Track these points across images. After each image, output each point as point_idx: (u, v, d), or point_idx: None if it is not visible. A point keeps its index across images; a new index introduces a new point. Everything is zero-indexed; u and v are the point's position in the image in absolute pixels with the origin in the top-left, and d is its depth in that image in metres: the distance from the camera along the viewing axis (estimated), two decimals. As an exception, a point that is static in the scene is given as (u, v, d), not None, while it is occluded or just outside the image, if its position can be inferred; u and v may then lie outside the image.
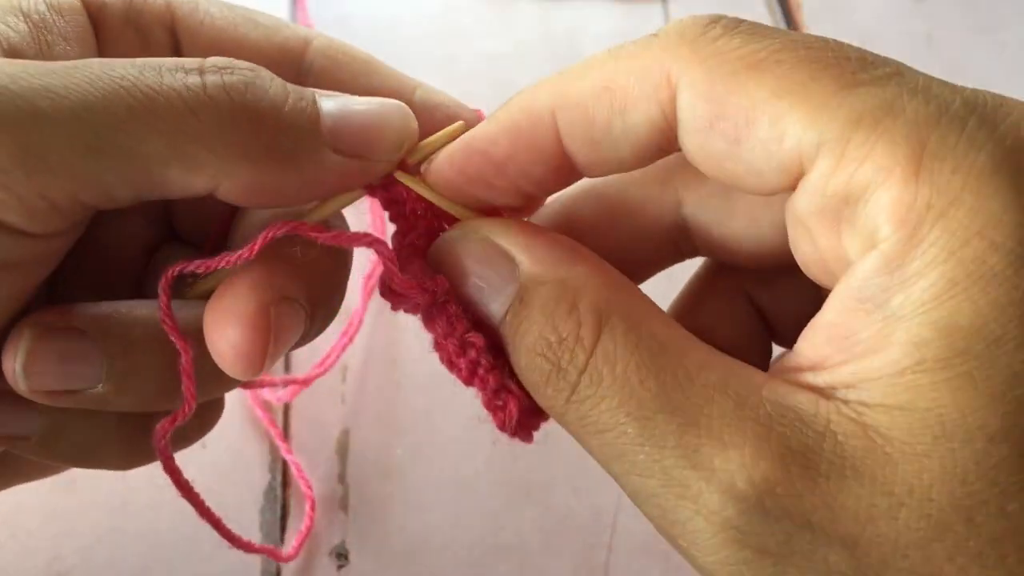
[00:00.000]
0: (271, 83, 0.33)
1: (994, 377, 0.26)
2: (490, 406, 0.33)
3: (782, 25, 0.79)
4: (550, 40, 0.76)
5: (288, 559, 0.51)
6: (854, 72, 0.28)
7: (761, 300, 0.38)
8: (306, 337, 0.36)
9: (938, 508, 0.26)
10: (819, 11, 0.80)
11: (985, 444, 0.26)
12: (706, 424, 0.28)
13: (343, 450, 0.56)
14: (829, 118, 0.27)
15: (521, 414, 0.33)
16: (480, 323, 0.33)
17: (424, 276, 0.34)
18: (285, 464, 0.55)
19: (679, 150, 0.32)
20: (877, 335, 0.27)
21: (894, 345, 0.27)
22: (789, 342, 0.30)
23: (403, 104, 0.35)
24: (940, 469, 0.26)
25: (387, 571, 0.52)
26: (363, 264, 0.61)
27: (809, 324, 0.30)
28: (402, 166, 0.35)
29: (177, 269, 0.33)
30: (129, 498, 0.52)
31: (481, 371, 0.33)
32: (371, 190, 0.35)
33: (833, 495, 0.26)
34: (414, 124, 0.35)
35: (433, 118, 0.38)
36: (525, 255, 0.32)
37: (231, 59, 0.33)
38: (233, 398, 0.56)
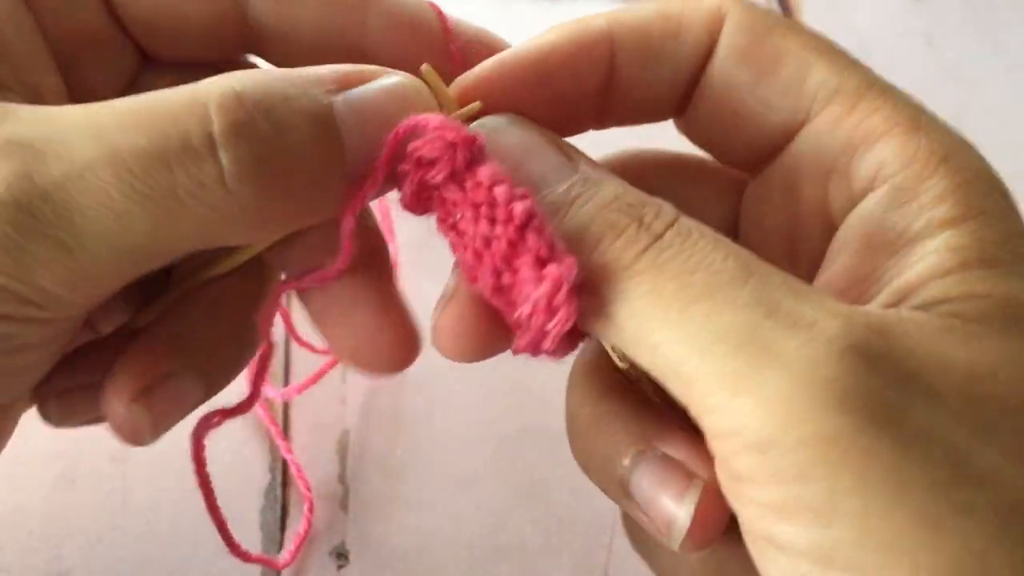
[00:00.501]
0: (290, 117, 0.29)
1: None
2: (538, 310, 0.27)
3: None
4: (550, 40, 0.76)
5: (284, 566, 0.51)
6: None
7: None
8: (208, 394, 0.38)
9: None
10: (819, 11, 0.80)
11: None
12: (805, 289, 0.27)
13: (343, 450, 0.56)
14: (848, 74, 0.32)
15: (577, 287, 0.27)
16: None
17: (423, 186, 0.29)
18: (285, 464, 0.55)
19: (695, 97, 0.34)
20: (907, 255, 0.29)
21: (931, 254, 0.28)
22: None
23: (412, 86, 0.32)
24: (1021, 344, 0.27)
25: (387, 571, 0.52)
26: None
27: (819, 280, 0.31)
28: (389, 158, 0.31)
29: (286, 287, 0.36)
30: (129, 498, 0.52)
31: (536, 226, 0.27)
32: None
33: (938, 355, 0.25)
34: (431, 104, 0.32)
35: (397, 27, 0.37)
36: (586, 160, 0.32)
37: (236, 92, 0.29)
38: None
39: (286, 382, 0.58)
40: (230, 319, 0.37)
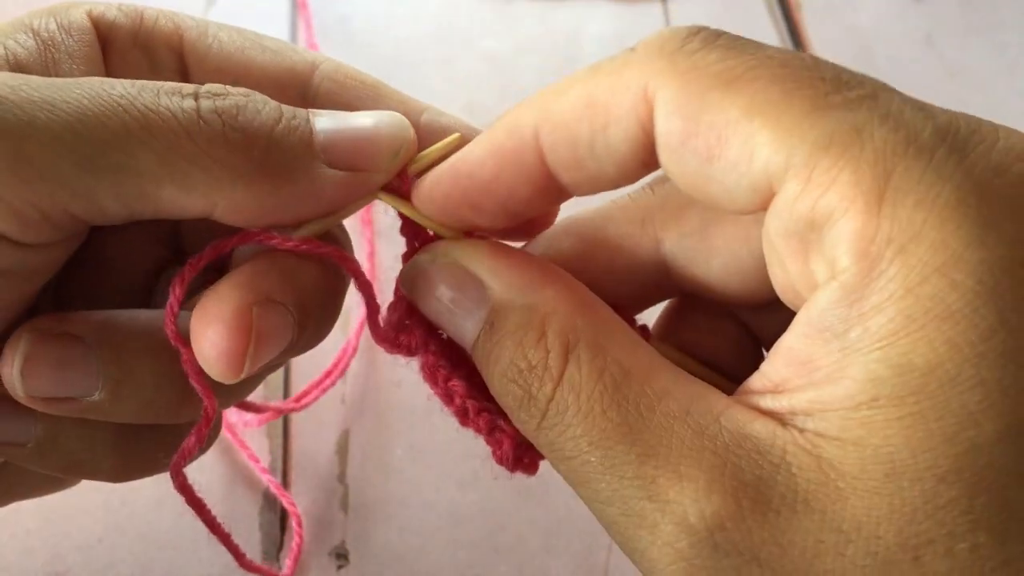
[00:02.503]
0: (264, 105, 0.34)
1: (947, 418, 0.26)
2: (489, 443, 0.34)
3: (782, 25, 0.79)
4: (550, 40, 0.76)
5: None
6: (827, 93, 0.28)
7: (748, 320, 0.38)
8: (296, 347, 0.36)
9: (885, 546, 0.26)
10: (819, 11, 0.80)
11: (935, 484, 0.26)
12: (664, 455, 0.28)
13: (343, 450, 0.56)
14: (798, 141, 0.27)
15: (516, 450, 0.33)
16: (466, 356, 0.34)
17: (401, 329, 0.35)
18: (286, 467, 0.55)
19: (660, 167, 0.32)
20: (835, 365, 0.27)
21: (850, 379, 0.27)
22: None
23: (398, 114, 0.36)
24: (888, 507, 0.26)
25: (387, 571, 0.52)
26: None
27: (774, 346, 0.30)
28: (403, 177, 0.35)
29: (185, 275, 0.34)
30: (129, 498, 0.52)
31: (471, 415, 0.34)
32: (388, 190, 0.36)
33: (782, 530, 0.27)
34: (410, 133, 0.36)
35: (440, 139, 0.38)
36: (494, 279, 0.33)
37: (227, 86, 0.33)
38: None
39: (286, 393, 0.58)
40: (321, 269, 0.36)
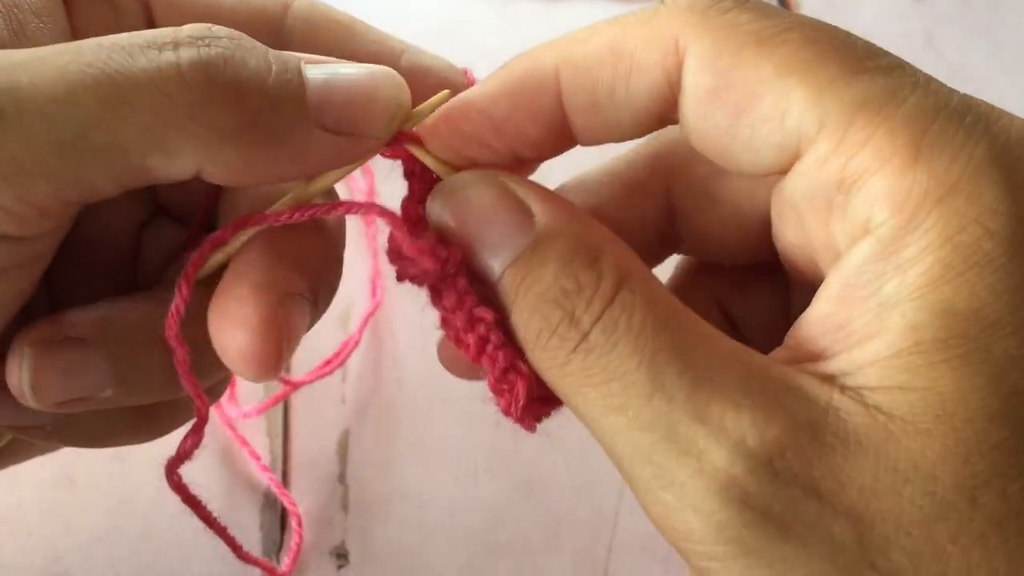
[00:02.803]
0: (252, 53, 0.31)
1: (990, 360, 0.26)
2: (496, 388, 0.32)
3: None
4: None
5: (283, 575, 0.51)
6: (860, 59, 0.28)
7: (731, 306, 0.37)
8: (311, 325, 0.35)
9: (942, 486, 0.26)
10: (819, 11, 0.80)
11: (986, 424, 0.26)
12: (720, 383, 0.27)
13: (343, 450, 0.56)
14: (833, 100, 0.28)
15: (528, 398, 0.31)
16: (489, 299, 0.32)
17: (436, 243, 0.32)
18: (286, 463, 0.55)
19: (676, 122, 0.31)
20: (873, 322, 0.27)
21: (890, 330, 0.27)
22: (760, 350, 0.30)
23: (394, 72, 0.34)
24: (943, 448, 0.26)
25: (387, 571, 0.52)
26: (364, 279, 0.61)
27: (801, 318, 0.30)
28: (398, 135, 0.34)
29: (186, 275, 0.33)
30: (129, 498, 0.52)
31: (490, 348, 0.31)
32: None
33: (840, 466, 0.26)
34: (406, 94, 0.34)
35: (423, 82, 0.36)
36: (543, 208, 0.31)
37: (209, 26, 0.31)
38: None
39: (288, 372, 0.58)
40: (322, 241, 0.35)
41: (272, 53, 0.32)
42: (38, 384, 0.32)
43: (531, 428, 0.33)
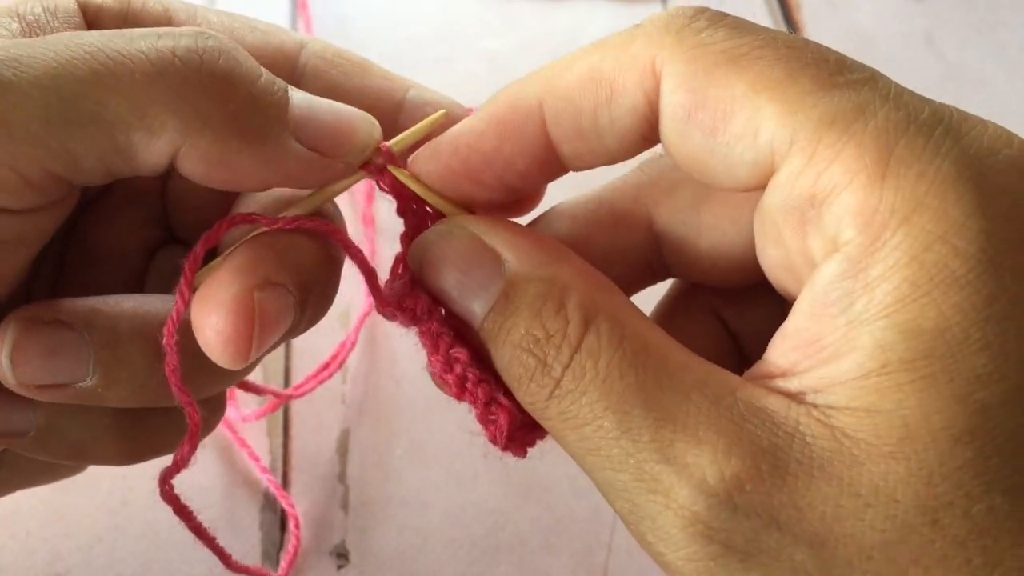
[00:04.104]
0: (248, 59, 0.33)
1: (957, 380, 0.26)
2: (482, 420, 0.34)
3: (782, 25, 0.79)
4: (550, 40, 0.76)
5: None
6: (831, 74, 0.29)
7: (730, 319, 0.38)
8: (297, 327, 0.35)
9: (903, 510, 0.26)
10: (819, 11, 0.80)
11: (950, 446, 0.26)
12: (682, 420, 0.28)
13: (343, 450, 0.56)
14: (803, 117, 0.28)
15: (511, 427, 0.33)
16: (465, 335, 0.33)
17: (409, 293, 0.34)
18: (286, 463, 0.55)
19: (660, 142, 0.32)
20: (842, 339, 0.28)
21: (858, 349, 0.27)
22: (756, 360, 0.31)
23: (369, 116, 0.35)
24: (906, 471, 0.26)
25: (387, 571, 0.52)
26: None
27: (778, 331, 0.30)
28: (389, 158, 0.35)
29: (190, 266, 0.34)
30: (129, 498, 0.52)
31: (469, 385, 0.33)
32: (374, 175, 0.36)
33: (801, 494, 0.27)
34: (378, 131, 0.35)
35: (426, 115, 0.37)
36: (512, 253, 0.32)
37: (213, 31, 0.33)
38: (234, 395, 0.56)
39: (286, 383, 0.58)
40: (318, 247, 0.36)
41: (264, 68, 0.34)
42: (17, 359, 0.33)
43: (521, 454, 0.35)
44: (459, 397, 0.34)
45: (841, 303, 0.27)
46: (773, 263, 0.32)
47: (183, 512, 0.38)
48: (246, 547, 0.52)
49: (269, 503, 0.54)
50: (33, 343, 0.33)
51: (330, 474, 0.55)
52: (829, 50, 0.30)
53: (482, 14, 0.76)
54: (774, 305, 0.35)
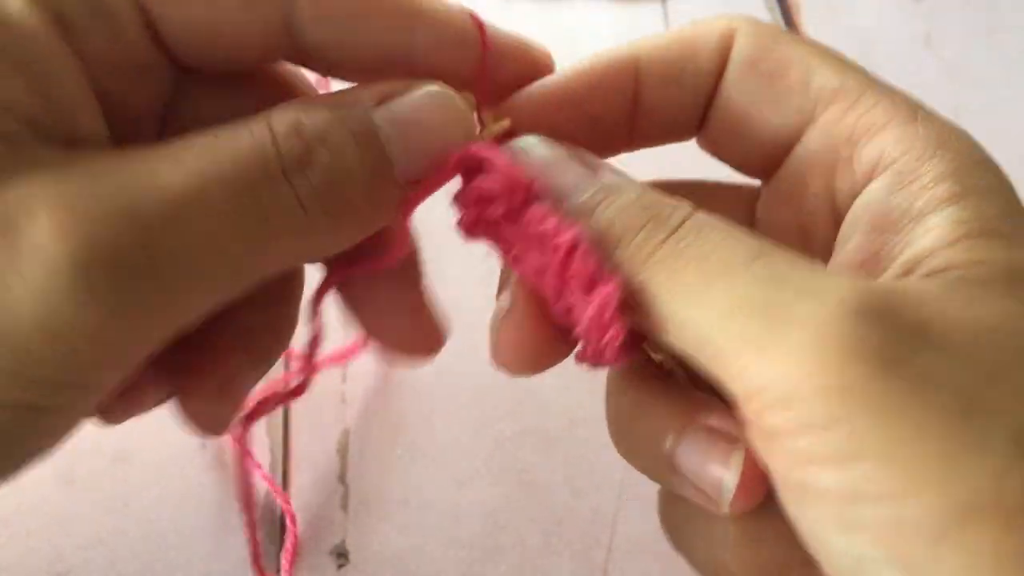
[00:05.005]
0: (343, 151, 0.32)
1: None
2: (587, 289, 0.30)
3: (781, 25, 0.79)
4: (550, 40, 0.75)
5: None
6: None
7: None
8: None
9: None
10: (819, 11, 0.80)
11: None
12: (812, 266, 0.28)
13: (343, 450, 0.56)
14: (849, 75, 0.34)
15: (622, 303, 0.29)
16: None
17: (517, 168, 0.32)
18: (286, 463, 0.55)
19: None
20: (912, 231, 0.30)
21: (935, 228, 0.30)
22: None
23: (446, 93, 0.34)
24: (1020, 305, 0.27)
25: (387, 571, 0.52)
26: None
27: (833, 261, 0.33)
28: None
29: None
30: (129, 498, 0.53)
31: (581, 252, 0.30)
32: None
33: (942, 316, 0.27)
34: (464, 112, 0.35)
35: (445, 33, 0.38)
36: (604, 172, 0.33)
37: (295, 127, 0.31)
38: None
39: (286, 369, 0.58)
40: (281, 313, 0.41)
41: (352, 128, 0.32)
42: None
43: (621, 359, 0.31)
44: (562, 267, 0.30)
45: (902, 206, 0.31)
46: (780, 225, 0.36)
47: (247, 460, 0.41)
48: (246, 546, 0.52)
49: (269, 503, 0.54)
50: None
51: (330, 474, 0.55)
52: None
53: (481, 14, 0.76)
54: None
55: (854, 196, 0.33)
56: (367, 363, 0.59)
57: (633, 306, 0.30)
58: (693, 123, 0.38)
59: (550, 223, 0.30)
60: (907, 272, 0.29)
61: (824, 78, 0.34)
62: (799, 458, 0.27)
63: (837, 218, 0.34)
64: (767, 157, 0.37)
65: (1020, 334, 0.27)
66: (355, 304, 0.42)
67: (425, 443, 0.56)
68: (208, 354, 0.39)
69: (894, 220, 0.31)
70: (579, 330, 0.31)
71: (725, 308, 0.27)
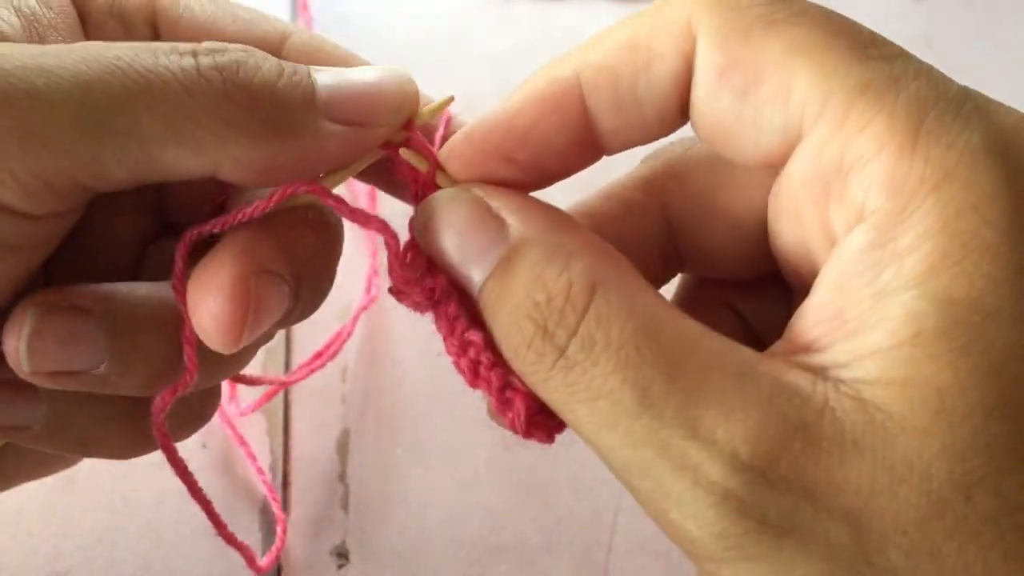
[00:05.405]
0: (264, 61, 0.33)
1: (990, 351, 0.26)
2: (498, 408, 0.32)
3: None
4: (550, 40, 0.76)
5: (262, 571, 0.50)
6: (865, 46, 0.29)
7: (744, 309, 0.37)
8: (291, 317, 0.35)
9: (938, 485, 0.26)
10: (819, 11, 0.80)
11: (983, 419, 0.25)
12: (706, 394, 0.27)
13: (343, 450, 0.56)
14: (838, 83, 0.28)
15: (528, 411, 0.31)
16: (481, 320, 0.32)
17: (427, 272, 0.33)
18: (286, 463, 0.55)
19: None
20: (869, 311, 0.27)
21: (888, 320, 0.27)
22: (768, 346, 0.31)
23: (402, 70, 0.35)
24: (939, 445, 0.26)
25: (387, 571, 0.52)
26: (362, 272, 0.61)
27: (798, 310, 0.30)
28: (410, 130, 0.35)
29: (195, 232, 0.34)
30: (129, 498, 0.52)
31: (483, 370, 0.32)
32: (389, 150, 0.35)
33: (835, 470, 0.26)
34: (413, 86, 0.35)
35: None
36: (517, 218, 0.31)
37: (224, 43, 0.33)
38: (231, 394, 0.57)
39: (287, 370, 0.58)
40: (317, 237, 0.36)
41: (284, 62, 0.33)
42: (34, 347, 0.33)
43: (546, 441, 0.33)
44: (473, 383, 0.32)
45: (868, 273, 0.27)
46: (786, 244, 0.32)
47: (176, 463, 0.38)
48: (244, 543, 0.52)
49: (268, 503, 0.54)
50: (51, 329, 0.33)
51: (330, 474, 0.55)
52: (860, 24, 0.30)
53: (482, 15, 0.76)
54: (786, 295, 0.34)
55: (848, 231, 0.29)
56: (367, 363, 0.59)
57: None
58: (668, 127, 0.33)
59: (457, 330, 0.32)
60: (846, 362, 0.27)
61: (805, 88, 0.28)
62: None
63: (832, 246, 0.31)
64: (760, 166, 0.33)
65: (906, 499, 0.26)
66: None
67: (425, 442, 0.56)
68: (239, 243, 0.34)
69: (857, 287, 0.27)
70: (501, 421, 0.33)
71: (618, 466, 0.29)
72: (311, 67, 0.34)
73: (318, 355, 0.57)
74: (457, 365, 0.33)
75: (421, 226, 0.33)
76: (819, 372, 0.28)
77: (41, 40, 0.35)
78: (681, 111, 0.32)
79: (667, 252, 0.36)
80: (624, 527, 0.54)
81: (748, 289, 0.37)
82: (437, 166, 0.35)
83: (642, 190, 0.36)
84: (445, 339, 0.33)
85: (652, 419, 0.27)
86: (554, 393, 0.29)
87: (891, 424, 0.26)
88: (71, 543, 0.51)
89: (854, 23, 0.29)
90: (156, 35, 0.39)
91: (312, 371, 0.56)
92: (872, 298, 0.27)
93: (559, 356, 0.29)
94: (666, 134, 0.33)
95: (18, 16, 0.35)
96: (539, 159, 0.33)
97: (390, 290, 0.35)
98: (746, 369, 0.28)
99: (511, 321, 0.30)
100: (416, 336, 0.59)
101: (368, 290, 0.60)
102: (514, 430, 0.32)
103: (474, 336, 0.32)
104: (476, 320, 0.32)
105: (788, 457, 0.26)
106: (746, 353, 0.29)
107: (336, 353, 0.57)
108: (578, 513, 0.55)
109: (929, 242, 0.26)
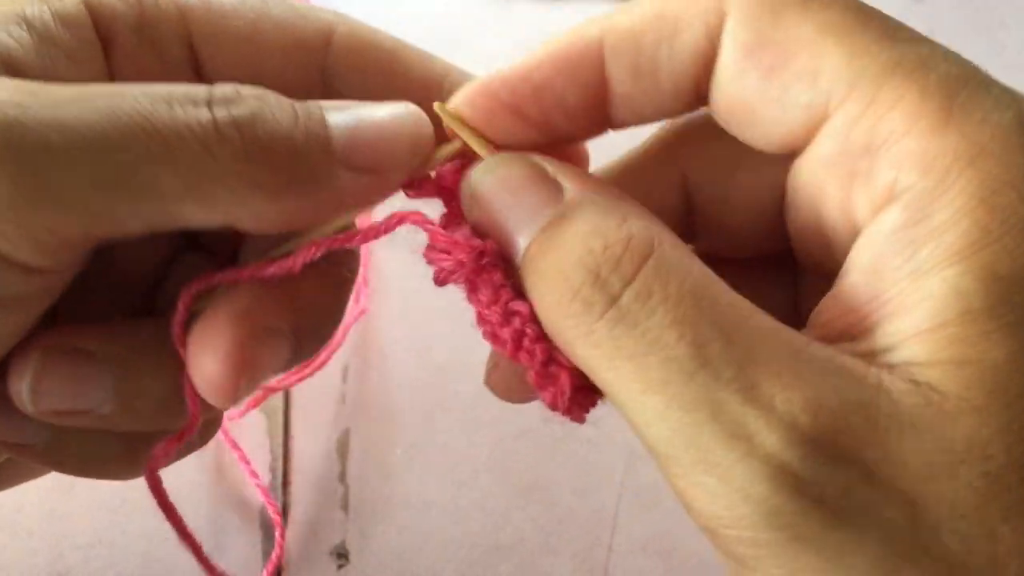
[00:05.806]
0: (278, 108, 0.32)
1: None
2: (539, 383, 0.30)
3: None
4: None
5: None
6: (895, 29, 0.29)
7: (748, 294, 0.37)
8: (291, 363, 0.35)
9: (996, 465, 0.25)
10: (819, 11, 0.80)
11: None
12: (766, 362, 0.26)
13: (343, 450, 0.56)
14: (868, 62, 0.27)
15: (573, 389, 0.30)
16: (522, 293, 0.31)
17: (470, 234, 0.31)
18: (286, 463, 0.55)
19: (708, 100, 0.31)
20: (909, 290, 0.26)
21: (930, 298, 0.26)
22: None
23: (416, 110, 0.34)
24: (997, 424, 0.25)
25: (387, 571, 0.52)
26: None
27: (828, 296, 0.29)
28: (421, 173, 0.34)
29: (197, 286, 0.33)
30: (129, 498, 0.52)
31: (527, 342, 0.30)
32: (409, 189, 0.34)
33: (894, 450, 0.25)
34: (428, 129, 0.34)
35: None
36: (574, 184, 0.30)
37: (237, 87, 0.32)
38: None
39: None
40: (324, 289, 0.35)
41: (296, 105, 0.32)
42: (38, 389, 0.32)
43: (580, 420, 0.31)
44: (514, 355, 0.30)
45: (905, 252, 0.26)
46: (804, 227, 0.31)
47: (167, 507, 0.38)
48: (247, 545, 0.52)
49: (268, 503, 0.54)
50: (55, 372, 0.32)
51: (330, 474, 0.55)
52: (889, 16, 0.30)
53: (482, 15, 0.76)
54: (784, 287, 0.34)
55: (875, 213, 0.28)
56: (367, 363, 0.59)
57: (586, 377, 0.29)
58: (684, 106, 0.32)
59: (502, 298, 0.31)
60: (889, 347, 0.27)
61: (835, 66, 0.28)
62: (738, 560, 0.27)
63: (855, 234, 0.30)
64: (781, 150, 0.32)
65: (974, 475, 0.25)
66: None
67: (425, 443, 0.56)
68: (235, 303, 0.34)
69: (894, 268, 0.27)
70: (540, 396, 0.31)
71: (661, 429, 0.27)
72: (324, 106, 0.33)
73: (306, 364, 0.57)
74: (495, 336, 0.31)
75: (472, 187, 0.32)
76: (866, 357, 0.27)
77: (52, 66, 0.34)
78: (696, 90, 0.31)
79: (682, 225, 0.36)
80: (624, 527, 0.54)
81: (753, 271, 0.37)
82: (492, 145, 0.34)
83: (662, 156, 0.35)
84: (486, 308, 0.31)
85: (708, 378, 0.26)
86: (596, 348, 0.27)
87: (948, 405, 0.25)
88: (71, 543, 0.51)
89: (882, 11, 0.29)
90: (192, 54, 0.38)
91: (301, 379, 0.56)
92: (910, 277, 0.26)
93: (610, 306, 0.27)
94: (676, 113, 0.33)
95: (30, 34, 0.34)
96: (548, 117, 0.32)
97: (428, 257, 0.33)
98: (801, 347, 0.27)
99: (557, 271, 0.28)
100: (417, 337, 0.59)
101: (357, 299, 0.60)
102: (553, 407, 0.30)
103: (520, 306, 0.30)
104: (521, 294, 0.31)
105: (848, 432, 0.25)
106: (799, 335, 0.27)
107: (324, 363, 0.57)
108: (578, 513, 0.55)
109: (967, 218, 0.25)
